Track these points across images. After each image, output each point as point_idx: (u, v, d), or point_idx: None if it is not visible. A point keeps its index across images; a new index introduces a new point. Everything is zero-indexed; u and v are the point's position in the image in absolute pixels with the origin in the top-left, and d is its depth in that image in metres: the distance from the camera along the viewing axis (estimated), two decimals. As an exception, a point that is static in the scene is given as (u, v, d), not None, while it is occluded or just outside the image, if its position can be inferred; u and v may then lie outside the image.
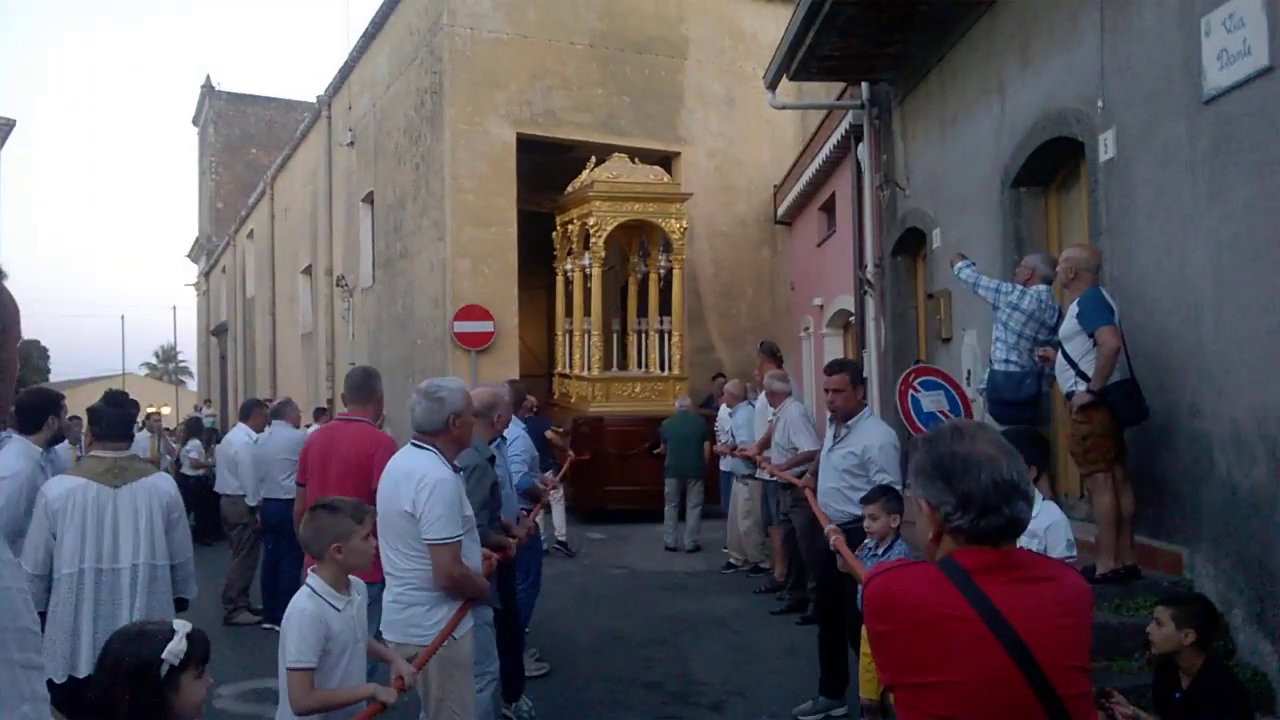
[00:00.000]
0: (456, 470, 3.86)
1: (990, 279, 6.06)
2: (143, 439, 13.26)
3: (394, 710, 3.21)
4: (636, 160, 13.48)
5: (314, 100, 21.09)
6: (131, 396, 4.67)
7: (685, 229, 13.40)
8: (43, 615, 3.94)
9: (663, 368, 13.53)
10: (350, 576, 3.29)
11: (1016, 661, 1.74)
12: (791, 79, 9.46)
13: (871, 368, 9.82)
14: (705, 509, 10.69)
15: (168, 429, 17.54)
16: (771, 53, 9.71)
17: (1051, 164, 6.68)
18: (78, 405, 7.80)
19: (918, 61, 8.46)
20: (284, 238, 24.69)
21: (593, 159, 13.46)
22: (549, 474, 7.93)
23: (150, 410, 17.42)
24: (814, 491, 5.98)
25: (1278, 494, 4.26)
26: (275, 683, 3.24)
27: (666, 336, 13.56)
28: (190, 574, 4.34)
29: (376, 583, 3.88)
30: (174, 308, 71.94)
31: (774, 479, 7.75)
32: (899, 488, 4.85)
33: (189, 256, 41.42)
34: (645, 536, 11.09)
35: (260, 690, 5.85)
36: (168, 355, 67.37)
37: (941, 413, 6.79)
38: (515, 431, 6.43)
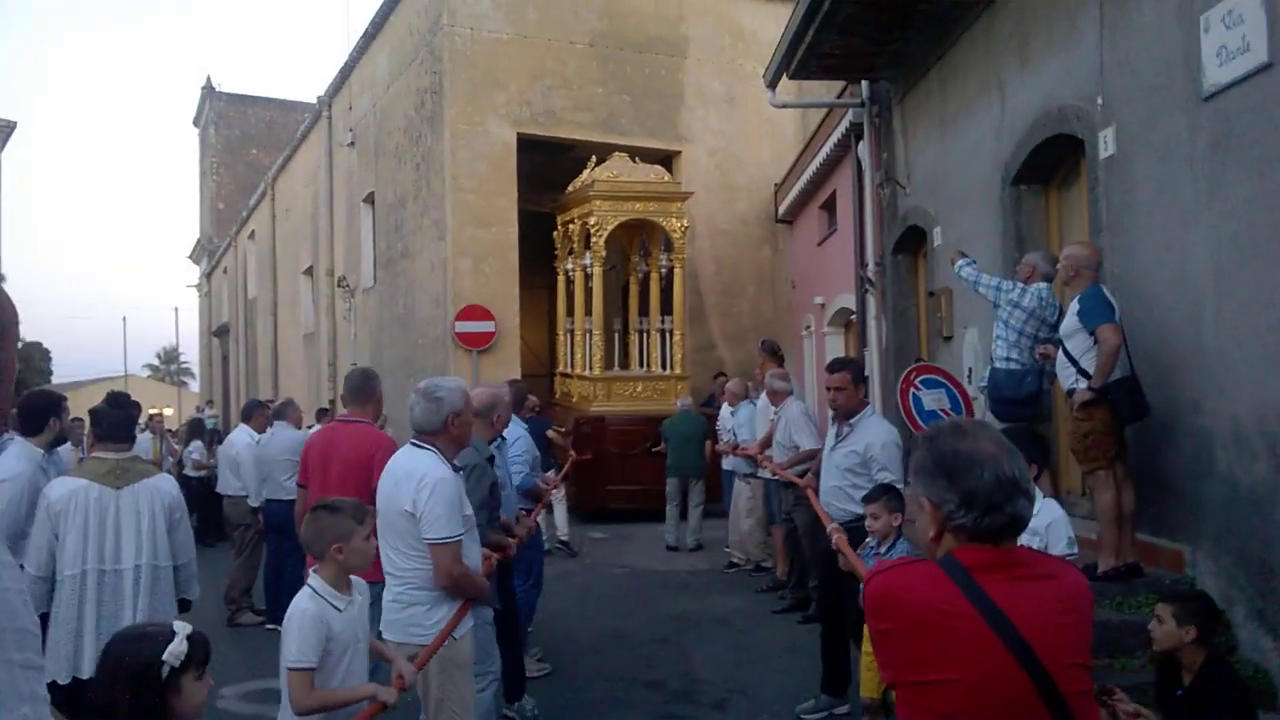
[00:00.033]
0: (456, 470, 3.87)
1: (991, 277, 6.06)
2: (145, 440, 13.27)
3: (394, 710, 3.22)
4: (637, 159, 13.48)
5: (314, 101, 21.10)
6: (133, 398, 4.67)
7: (686, 228, 13.40)
8: (46, 617, 3.95)
9: (664, 367, 13.53)
10: (352, 576, 3.30)
11: (1018, 659, 1.74)
12: (792, 77, 9.46)
13: (873, 366, 9.82)
14: (707, 508, 10.68)
15: (170, 430, 17.55)
16: (771, 51, 9.72)
17: (1052, 161, 6.67)
18: (80, 407, 7.80)
19: (918, 59, 8.46)
20: (285, 238, 24.71)
21: (593, 158, 13.46)
22: (550, 473, 7.94)
23: (152, 412, 17.45)
24: (815, 491, 5.98)
25: (1278, 491, 4.26)
26: (278, 683, 3.25)
27: (668, 335, 13.56)
28: (193, 575, 4.35)
29: (377, 582, 3.89)
30: (176, 309, 72.30)
31: (776, 478, 7.76)
32: (901, 486, 4.85)
33: (190, 258, 41.45)
34: (647, 536, 11.09)
35: (263, 691, 5.85)
36: (170, 357, 67.40)
37: (943, 410, 6.79)
38: (517, 432, 6.43)
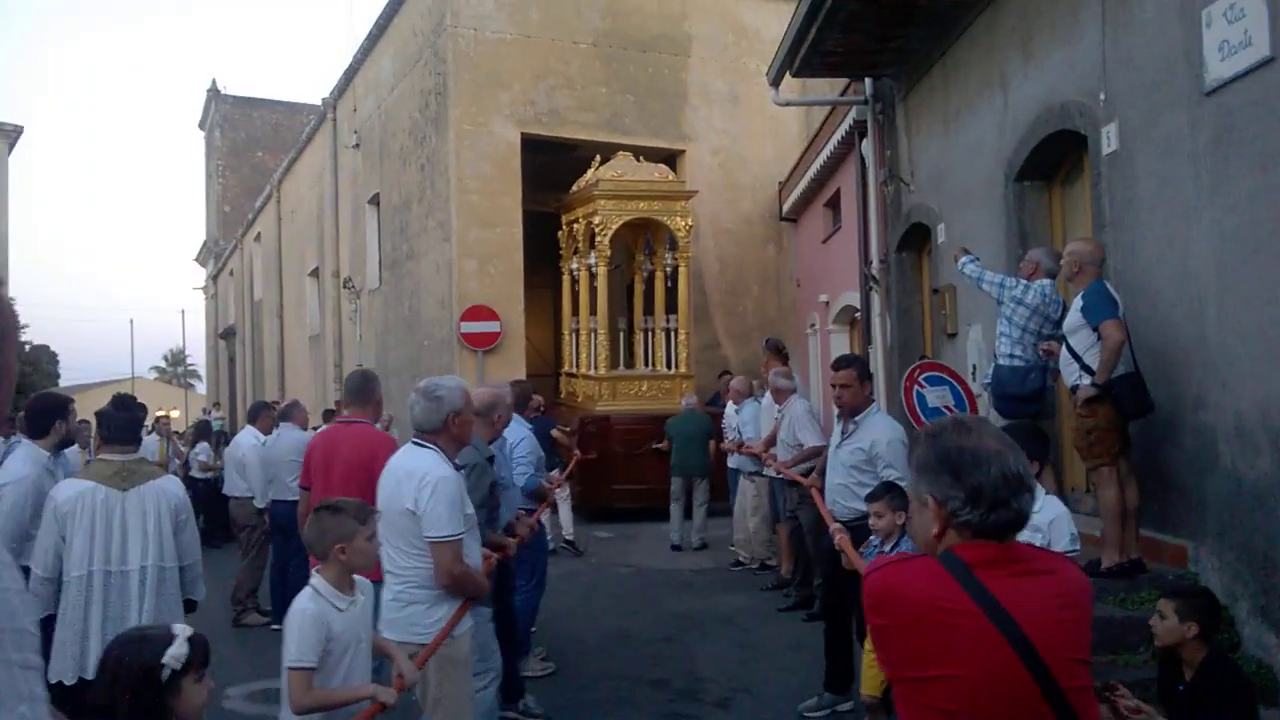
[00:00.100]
0: (458, 468, 3.88)
1: (994, 274, 6.05)
2: (152, 442, 13.32)
3: (395, 710, 3.23)
4: (641, 159, 13.49)
5: (319, 103, 21.15)
6: (140, 400, 4.69)
7: (690, 227, 13.39)
8: (52, 618, 3.97)
9: (669, 366, 13.54)
10: (356, 576, 3.32)
11: (1019, 655, 1.74)
12: (795, 75, 9.46)
13: (877, 364, 9.81)
14: (712, 507, 10.68)
15: (177, 432, 17.60)
16: (774, 49, 9.72)
17: (1055, 158, 6.67)
18: (87, 409, 7.80)
19: (920, 56, 8.45)
20: (291, 240, 24.76)
21: (597, 158, 13.46)
22: (554, 473, 7.95)
23: (159, 414, 17.51)
24: (820, 491, 5.98)
25: (1282, 486, 4.25)
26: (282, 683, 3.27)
27: (673, 334, 13.56)
28: (199, 575, 4.36)
29: (378, 581, 3.90)
30: (182, 311, 71.98)
31: (780, 476, 7.76)
32: (905, 484, 4.84)
33: (197, 260, 41.56)
34: (652, 535, 11.10)
35: (269, 691, 5.87)
36: (176, 359, 67.55)
37: (946, 407, 6.78)
38: (521, 432, 6.44)
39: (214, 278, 37.97)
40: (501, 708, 4.88)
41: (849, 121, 10.62)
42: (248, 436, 9.13)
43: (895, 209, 9.50)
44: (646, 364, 13.85)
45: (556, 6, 14.31)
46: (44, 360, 35.57)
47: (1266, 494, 4.35)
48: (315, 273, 22.29)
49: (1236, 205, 4.56)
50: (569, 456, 10.86)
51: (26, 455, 4.62)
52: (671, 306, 13.56)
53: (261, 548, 8.50)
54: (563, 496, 10.30)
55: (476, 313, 13.60)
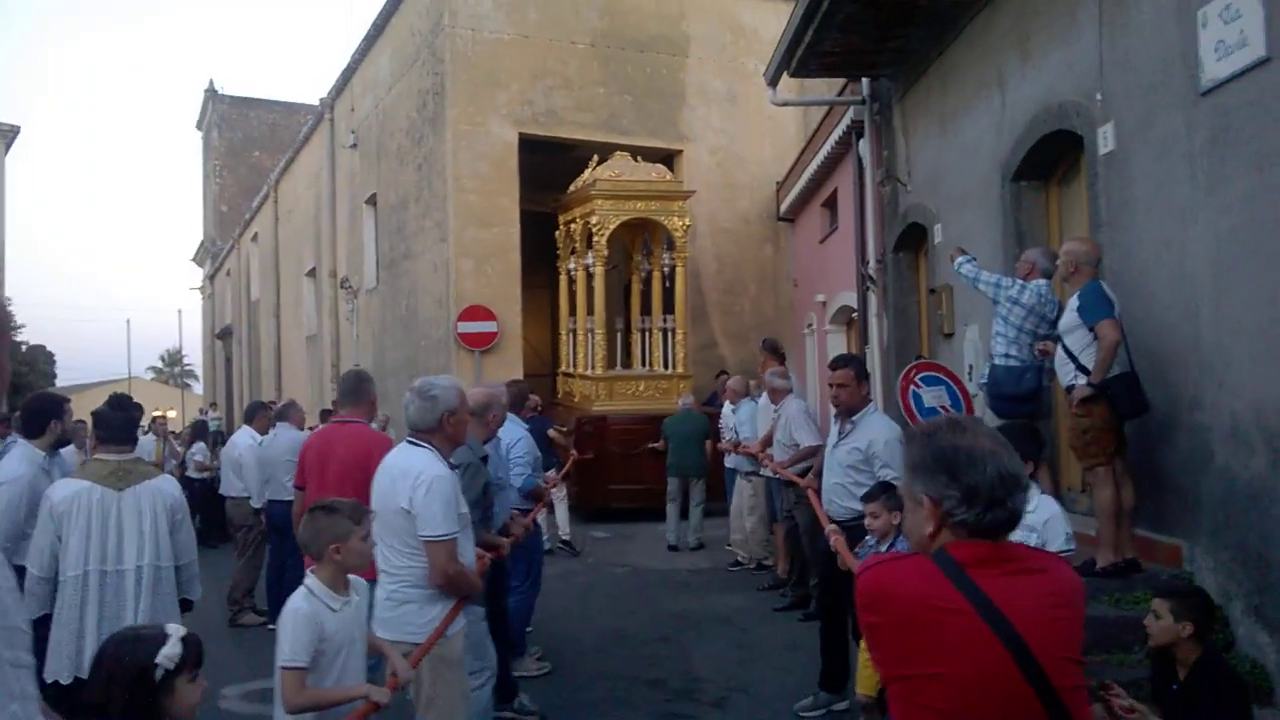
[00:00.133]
0: (453, 468, 3.88)
1: (990, 273, 6.06)
2: (148, 442, 13.31)
3: (389, 709, 3.23)
4: (639, 158, 13.49)
5: (316, 103, 21.13)
6: (137, 400, 4.70)
7: (688, 227, 13.40)
8: (48, 617, 3.97)
9: (666, 366, 13.53)
10: (351, 576, 3.32)
11: (1012, 653, 1.74)
12: (792, 75, 9.46)
13: (874, 363, 9.82)
14: (709, 506, 10.68)
15: (174, 432, 17.58)
16: (773, 49, 9.72)
17: (1051, 158, 6.67)
18: (84, 409, 7.81)
19: (918, 57, 8.45)
20: (288, 240, 24.75)
21: (595, 158, 13.46)
22: (550, 472, 7.95)
23: (156, 414, 17.49)
24: (817, 491, 5.98)
25: (1276, 486, 4.26)
26: (278, 683, 3.27)
27: (670, 334, 13.56)
28: (195, 575, 4.36)
29: (372, 579, 3.90)
30: (179, 311, 72.16)
31: (777, 476, 7.76)
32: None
33: (194, 260, 41.51)
34: (649, 535, 11.10)
35: (265, 690, 5.83)
36: (173, 359, 67.50)
37: (942, 407, 6.78)
38: (519, 433, 6.45)
39: (211, 278, 37.94)
40: (496, 708, 4.89)
41: (846, 122, 10.62)
42: (244, 436, 9.12)
43: (892, 209, 9.51)
44: (644, 364, 13.85)
45: (554, 6, 14.31)
46: (40, 360, 35.51)
47: (1261, 494, 4.36)
48: (312, 273, 22.27)
49: (1232, 206, 4.57)
50: (566, 456, 10.87)
51: (22, 455, 4.62)
52: (669, 306, 13.56)
53: (258, 547, 8.50)
54: (559, 496, 10.29)
55: (474, 313, 13.60)
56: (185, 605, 4.31)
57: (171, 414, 31.88)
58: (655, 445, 11.18)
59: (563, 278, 14.45)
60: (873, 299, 10.18)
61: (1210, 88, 4.67)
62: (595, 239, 13.01)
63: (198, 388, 54.06)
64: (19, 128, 25.83)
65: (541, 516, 7.33)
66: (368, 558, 3.38)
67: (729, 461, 9.68)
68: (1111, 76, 5.60)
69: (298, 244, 23.54)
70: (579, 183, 13.58)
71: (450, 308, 13.73)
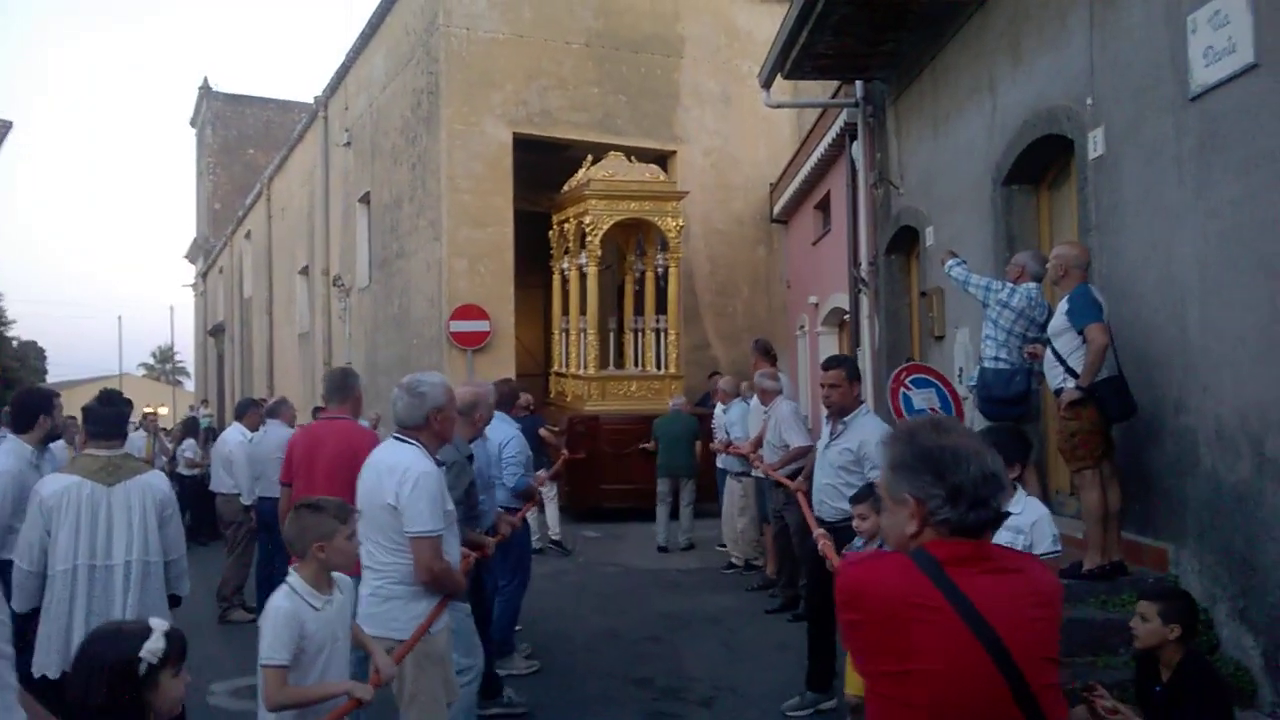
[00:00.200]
0: (439, 464, 3.89)
1: (980, 277, 6.08)
2: (138, 438, 13.28)
3: (373, 706, 3.23)
4: (633, 159, 13.49)
5: (311, 101, 21.10)
6: (128, 396, 4.71)
7: (681, 227, 13.41)
8: (37, 611, 3.97)
9: (659, 366, 13.55)
10: (335, 574, 3.32)
11: (989, 651, 1.75)
12: (786, 78, 9.48)
13: (866, 365, 9.84)
14: (700, 507, 10.68)
15: (165, 429, 17.55)
16: (767, 51, 9.73)
17: (1042, 161, 6.70)
18: (76, 405, 7.78)
19: (911, 60, 8.48)
20: (281, 238, 24.70)
21: (589, 158, 13.47)
22: (541, 471, 7.95)
23: (147, 410, 17.46)
24: (806, 494, 5.99)
25: (1261, 489, 4.29)
26: (263, 679, 3.27)
27: (663, 335, 13.57)
28: (183, 571, 4.36)
29: (356, 576, 3.91)
30: (171, 308, 72.07)
31: (767, 476, 7.78)
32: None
33: (186, 257, 41.43)
34: (640, 535, 11.10)
35: (253, 687, 5.76)
36: (165, 356, 67.38)
37: (932, 409, 6.80)
38: (510, 432, 6.45)
39: (204, 275, 37.84)
40: (481, 706, 4.89)
41: (840, 124, 10.64)
42: (235, 433, 9.12)
43: (884, 212, 9.53)
44: (636, 364, 13.86)
45: (549, 6, 14.31)
46: (32, 356, 35.39)
47: (1246, 497, 4.39)
48: (305, 270, 22.24)
49: (1219, 210, 4.60)
50: (557, 456, 10.87)
51: (9, 450, 4.63)
52: (661, 307, 13.57)
53: (247, 544, 8.49)
54: (549, 495, 10.29)
55: (466, 312, 13.59)
56: (174, 601, 4.31)
57: (163, 411, 31.83)
58: (646, 446, 11.18)
59: (556, 277, 14.45)
60: (864, 301, 10.19)
61: (1199, 93, 4.70)
62: (589, 239, 13.01)
63: (189, 384, 53.92)
64: (11, 123, 25.70)
65: (531, 515, 7.34)
66: (353, 557, 3.37)
67: (720, 462, 9.68)
68: (1102, 81, 5.63)
69: (291, 242, 23.50)
70: (573, 183, 13.58)
71: (443, 307, 13.72)
